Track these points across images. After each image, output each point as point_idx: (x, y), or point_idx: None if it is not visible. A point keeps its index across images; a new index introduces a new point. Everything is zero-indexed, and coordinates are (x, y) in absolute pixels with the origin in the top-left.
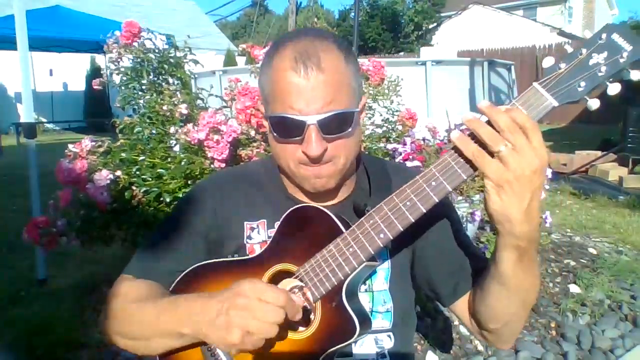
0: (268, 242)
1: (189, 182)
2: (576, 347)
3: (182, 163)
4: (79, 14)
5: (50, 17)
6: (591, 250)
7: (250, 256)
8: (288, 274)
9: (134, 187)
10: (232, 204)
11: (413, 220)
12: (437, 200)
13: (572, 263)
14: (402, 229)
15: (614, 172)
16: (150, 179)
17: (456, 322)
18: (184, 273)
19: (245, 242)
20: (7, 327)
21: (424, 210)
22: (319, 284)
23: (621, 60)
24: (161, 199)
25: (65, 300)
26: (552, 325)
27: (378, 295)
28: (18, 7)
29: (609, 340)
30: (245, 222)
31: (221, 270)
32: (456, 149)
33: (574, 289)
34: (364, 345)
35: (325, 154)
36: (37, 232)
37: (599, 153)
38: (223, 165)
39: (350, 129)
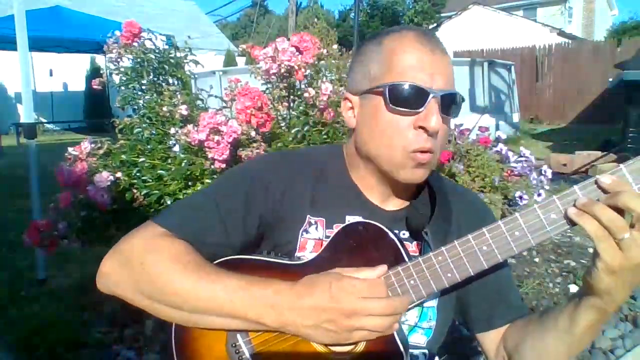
0: (317, 253)
1: (189, 183)
2: None
3: (183, 164)
4: (79, 14)
5: (50, 17)
6: (591, 250)
7: (293, 262)
8: None
9: (134, 189)
10: (300, 191)
11: (486, 267)
12: (516, 252)
13: (572, 263)
14: (472, 274)
15: None
16: (150, 180)
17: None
18: (215, 262)
19: (300, 235)
20: (7, 327)
21: (501, 260)
22: None
23: None
24: (162, 201)
25: (65, 300)
26: None
27: (426, 311)
28: (18, 7)
29: (609, 341)
30: (308, 215)
31: (258, 270)
32: (548, 204)
33: (574, 289)
34: None
35: (437, 136)
36: (37, 235)
37: (599, 153)
38: (224, 166)
39: (456, 115)
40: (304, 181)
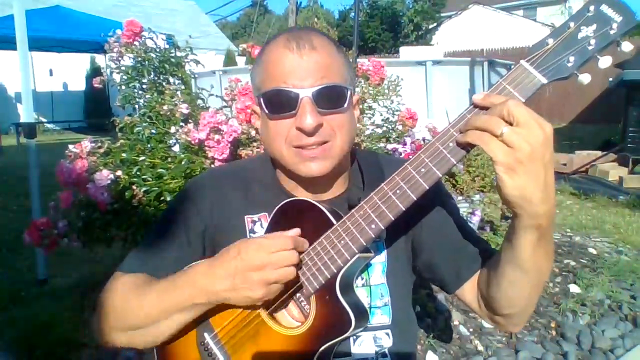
0: None
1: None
2: (576, 347)
3: (183, 163)
4: (79, 14)
5: (50, 17)
6: (591, 250)
7: None
8: None
9: (134, 187)
10: (230, 199)
11: (404, 209)
12: (427, 187)
13: (572, 263)
14: (393, 218)
15: (614, 172)
16: (150, 179)
17: (456, 322)
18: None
19: (248, 237)
20: (7, 327)
21: (415, 198)
22: (312, 278)
23: (611, 32)
24: (161, 198)
25: (65, 300)
26: (552, 325)
27: (375, 289)
28: (18, 7)
29: (609, 340)
30: (245, 216)
31: None
32: (444, 134)
33: (574, 289)
34: (362, 344)
35: (321, 131)
36: (38, 234)
37: (599, 153)
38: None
39: (345, 105)
40: (234, 189)
